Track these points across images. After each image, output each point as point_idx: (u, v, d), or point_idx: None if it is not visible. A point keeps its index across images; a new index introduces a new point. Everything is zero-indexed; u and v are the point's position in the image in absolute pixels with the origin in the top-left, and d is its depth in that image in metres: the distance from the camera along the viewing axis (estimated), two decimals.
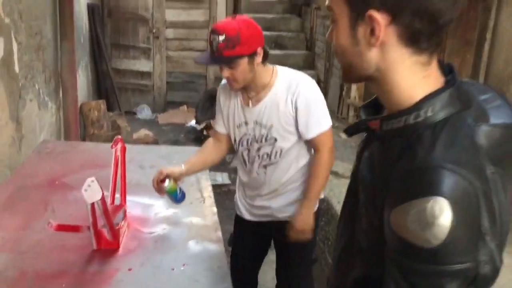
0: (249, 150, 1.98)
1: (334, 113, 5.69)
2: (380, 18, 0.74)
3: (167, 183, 1.91)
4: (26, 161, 2.57)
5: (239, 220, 2.26)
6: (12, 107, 2.69)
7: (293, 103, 1.82)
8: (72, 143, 3.22)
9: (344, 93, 5.41)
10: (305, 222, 1.93)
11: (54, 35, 3.76)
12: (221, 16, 6.45)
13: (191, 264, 1.71)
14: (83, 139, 4.76)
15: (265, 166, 1.96)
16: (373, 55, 0.78)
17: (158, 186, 1.90)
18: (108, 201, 1.96)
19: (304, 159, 1.98)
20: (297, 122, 1.85)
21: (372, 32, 0.75)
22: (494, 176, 0.73)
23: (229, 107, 1.98)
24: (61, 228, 1.66)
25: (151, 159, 2.75)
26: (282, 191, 2.01)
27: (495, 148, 0.76)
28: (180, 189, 1.99)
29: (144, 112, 6.56)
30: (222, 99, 2.01)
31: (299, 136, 1.90)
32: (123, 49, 6.58)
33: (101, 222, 1.71)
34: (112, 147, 2.06)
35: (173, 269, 1.67)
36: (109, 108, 5.81)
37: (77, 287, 1.53)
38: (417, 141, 0.75)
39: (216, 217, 2.09)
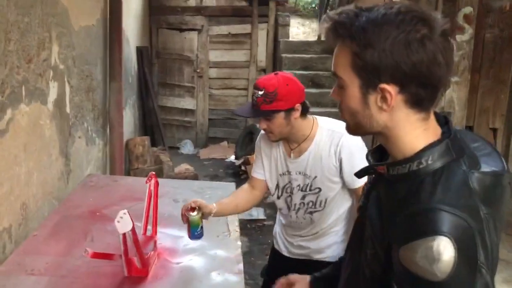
0: (291, 198, 2.04)
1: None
2: (391, 89, 0.86)
3: (195, 213, 1.97)
4: (72, 193, 2.82)
5: (276, 254, 2.31)
6: (62, 144, 2.96)
7: (336, 154, 1.86)
8: (114, 177, 3.47)
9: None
10: None
11: (104, 77, 4.10)
12: (261, 56, 6.73)
13: None
14: (128, 173, 5.05)
15: (311, 213, 2.01)
16: (382, 117, 0.91)
17: (186, 212, 1.99)
18: (141, 232, 2.14)
19: (346, 203, 2.01)
20: (341, 172, 1.88)
21: (383, 99, 0.88)
22: (487, 217, 0.85)
23: (271, 155, 2.06)
24: (96, 255, 1.83)
25: (185, 194, 2.94)
26: (323, 234, 2.06)
27: (486, 192, 0.87)
28: (202, 226, 2.03)
29: (187, 147, 6.84)
30: (263, 146, 2.08)
31: (343, 183, 1.93)
32: (169, 88, 6.96)
33: (132, 251, 1.88)
34: (146, 182, 2.25)
35: None
36: (154, 143, 6.13)
37: None
38: (420, 186, 0.87)
39: (239, 251, 2.22)
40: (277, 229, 2.30)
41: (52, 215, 2.47)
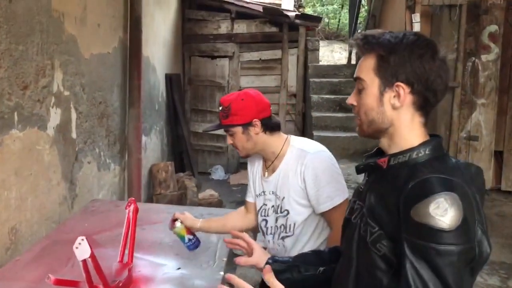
0: (266, 221, 1.97)
1: None
2: (404, 87, 1.07)
3: (177, 225, 2.05)
4: (69, 218, 2.84)
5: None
6: (66, 169, 3.01)
7: (301, 174, 1.79)
8: (117, 203, 3.47)
9: None
10: None
11: (122, 104, 4.18)
12: (292, 81, 6.68)
13: None
14: (151, 198, 5.08)
15: (283, 238, 1.91)
16: (392, 114, 1.10)
17: (171, 224, 2.08)
18: (118, 259, 2.10)
19: (325, 233, 1.88)
20: (307, 195, 1.80)
21: (396, 97, 1.08)
22: (475, 196, 1.01)
23: (253, 175, 2.03)
24: (59, 282, 1.78)
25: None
26: None
27: (472, 177, 1.07)
28: (190, 238, 2.09)
29: (218, 173, 6.83)
30: (249, 167, 2.05)
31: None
32: (201, 114, 7.02)
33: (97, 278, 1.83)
34: (126, 208, 2.21)
35: None
36: (183, 169, 6.16)
37: None
38: (421, 167, 1.04)
39: (218, 282, 2.11)
40: None
41: (42, 240, 2.48)
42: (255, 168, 2.01)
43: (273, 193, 1.90)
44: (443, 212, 0.93)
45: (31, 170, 2.57)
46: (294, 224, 1.85)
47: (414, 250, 0.96)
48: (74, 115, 3.14)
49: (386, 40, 1.09)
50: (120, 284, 1.95)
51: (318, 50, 6.61)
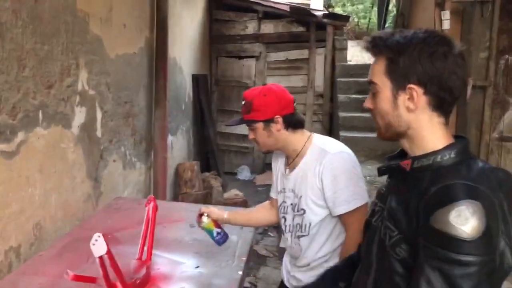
0: (285, 219, 1.94)
1: None
2: (417, 89, 1.03)
3: (205, 219, 2.07)
4: (93, 215, 2.88)
5: (282, 281, 2.19)
6: (90, 167, 3.05)
7: (319, 174, 1.74)
8: (141, 201, 3.49)
9: None
10: None
11: (148, 104, 4.22)
12: (319, 81, 6.61)
13: None
14: (177, 197, 5.11)
15: (298, 237, 1.88)
16: (409, 117, 1.06)
17: (197, 221, 2.09)
18: (136, 256, 2.11)
19: (342, 236, 1.83)
20: (324, 196, 1.75)
21: (410, 99, 1.05)
22: (504, 202, 0.97)
23: (276, 171, 2.01)
24: (77, 278, 1.80)
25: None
26: (316, 268, 1.86)
27: (500, 182, 1.00)
28: (218, 232, 2.11)
29: (244, 173, 6.83)
30: (273, 163, 2.04)
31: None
32: (228, 114, 7.03)
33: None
34: (145, 205, 2.23)
35: None
36: (209, 168, 6.18)
37: None
38: (446, 172, 1.00)
39: (237, 282, 2.09)
40: (285, 255, 2.17)
41: (64, 236, 2.52)
42: (278, 164, 2.00)
43: (292, 191, 1.88)
44: (464, 221, 0.90)
45: (55, 168, 2.61)
46: (310, 224, 1.82)
47: (431, 258, 0.93)
48: (99, 114, 3.18)
49: (394, 41, 1.05)
50: (138, 282, 1.96)
51: (346, 49, 6.53)
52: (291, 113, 1.81)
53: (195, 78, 6.00)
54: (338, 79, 6.02)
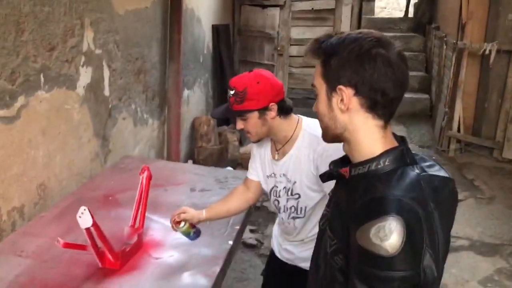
0: (278, 201, 1.96)
1: (434, 144, 5.18)
2: (346, 90, 1.02)
3: (182, 225, 2.01)
4: (98, 175, 2.96)
5: (271, 255, 2.27)
6: (97, 126, 3.10)
7: (314, 161, 1.75)
8: (147, 160, 3.56)
9: (443, 123, 4.85)
10: None
11: (162, 59, 4.19)
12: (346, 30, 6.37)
13: None
14: (192, 151, 5.18)
15: (293, 218, 1.92)
16: (343, 118, 1.06)
17: (174, 226, 2.02)
18: (129, 223, 2.18)
19: None
20: (318, 181, 1.73)
21: (342, 101, 1.04)
22: (434, 212, 0.98)
23: (260, 156, 1.99)
24: (68, 246, 1.89)
25: (206, 183, 2.91)
26: (309, 243, 1.94)
27: (435, 191, 1.01)
28: (194, 232, 2.05)
29: None
30: (255, 146, 2.02)
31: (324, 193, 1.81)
32: (250, 65, 6.92)
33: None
34: (140, 174, 2.27)
35: None
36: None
37: None
38: (377, 181, 1.00)
39: (226, 251, 2.14)
40: (275, 227, 2.23)
41: (68, 197, 2.61)
42: (262, 150, 1.98)
43: (283, 176, 1.87)
44: (384, 237, 0.90)
45: (60, 129, 2.67)
46: (306, 207, 1.85)
47: (357, 273, 0.96)
48: (107, 73, 3.19)
49: (328, 43, 1.05)
50: (128, 250, 2.04)
51: (373, 0, 6.22)
52: (283, 99, 1.77)
53: (216, 29, 5.89)
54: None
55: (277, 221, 2.18)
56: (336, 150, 1.62)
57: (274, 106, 1.73)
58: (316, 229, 1.86)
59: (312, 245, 1.85)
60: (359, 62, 1.00)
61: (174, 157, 4.37)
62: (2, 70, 2.17)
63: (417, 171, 1.01)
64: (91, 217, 1.77)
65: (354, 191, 1.03)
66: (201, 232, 2.07)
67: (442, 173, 1.07)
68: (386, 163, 1.01)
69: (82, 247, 1.94)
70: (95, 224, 1.80)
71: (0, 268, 1.92)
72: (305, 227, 1.92)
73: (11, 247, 2.08)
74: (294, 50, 6.68)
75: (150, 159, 3.85)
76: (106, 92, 3.20)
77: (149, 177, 2.26)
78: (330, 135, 1.11)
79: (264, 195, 2.15)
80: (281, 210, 1.96)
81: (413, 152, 1.10)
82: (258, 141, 1.88)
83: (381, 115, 1.04)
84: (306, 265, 1.90)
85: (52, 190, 2.64)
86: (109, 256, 1.94)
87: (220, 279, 2.03)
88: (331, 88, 1.04)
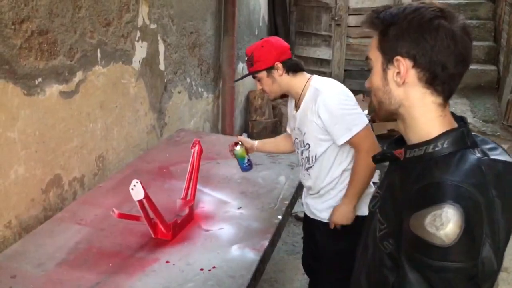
0: (297, 154, 2.17)
1: (499, 119, 4.83)
2: (404, 62, 0.96)
3: (238, 147, 2.24)
4: (153, 148, 3.04)
5: (305, 214, 2.36)
6: (153, 100, 3.18)
7: (316, 112, 1.93)
8: (201, 134, 3.61)
9: (511, 97, 4.50)
10: (341, 215, 2.02)
11: (217, 32, 4.19)
12: (408, 1, 6.07)
13: (219, 267, 1.85)
14: (247, 124, 5.20)
15: (307, 169, 2.11)
16: (399, 93, 0.99)
17: (231, 148, 2.28)
18: (181, 195, 2.23)
19: (345, 162, 2.04)
20: (326, 130, 1.95)
21: (398, 73, 0.97)
22: (496, 199, 0.91)
23: (289, 113, 2.21)
24: (122, 216, 1.97)
25: (258, 156, 2.90)
26: (324, 195, 2.12)
27: (497, 177, 0.93)
28: (248, 159, 2.29)
29: None
30: (288, 106, 2.23)
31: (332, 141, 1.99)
32: (306, 37, 6.79)
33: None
34: (191, 148, 2.30)
35: (202, 270, 1.83)
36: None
37: (118, 269, 1.83)
38: (434, 165, 0.93)
39: (274, 227, 2.15)
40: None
41: (124, 168, 2.71)
42: (289, 107, 2.21)
43: (298, 129, 2.09)
44: (439, 226, 0.85)
45: (116, 103, 2.75)
46: (315, 156, 2.04)
47: (410, 260, 0.92)
48: (162, 47, 3.24)
49: (387, 13, 0.99)
50: (179, 221, 2.10)
51: None
52: (289, 58, 2.01)
53: (271, 0, 5.80)
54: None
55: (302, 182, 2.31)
56: (333, 99, 1.93)
57: (279, 65, 1.97)
58: (329, 179, 2.05)
59: (326, 198, 2.12)
60: (420, 33, 0.94)
61: (228, 130, 4.41)
62: (61, 46, 2.25)
63: (478, 155, 0.95)
64: (143, 190, 1.83)
65: (408, 174, 0.98)
66: (252, 167, 2.32)
67: (506, 157, 0.99)
68: (444, 146, 0.95)
69: (135, 217, 2.01)
70: (147, 197, 1.86)
71: (61, 235, 2.04)
72: (318, 177, 2.08)
73: (71, 216, 2.19)
74: (352, 20, 6.45)
75: (204, 133, 3.91)
76: (162, 67, 3.26)
77: (200, 151, 2.29)
78: (384, 111, 1.04)
79: None
80: (300, 163, 2.17)
81: (474, 132, 1.04)
82: (275, 99, 2.16)
83: (440, 92, 0.97)
84: (322, 216, 2.14)
85: (110, 161, 2.74)
86: (161, 227, 2.01)
87: (268, 253, 2.06)
88: (388, 60, 0.99)
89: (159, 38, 3.19)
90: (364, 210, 1.97)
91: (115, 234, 2.07)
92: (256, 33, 5.38)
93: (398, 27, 0.96)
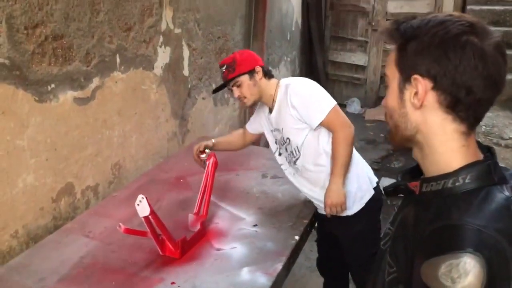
0: (280, 154, 2.27)
1: None
2: (423, 82, 0.83)
3: (204, 155, 2.32)
4: (172, 155, 2.95)
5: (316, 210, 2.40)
6: (176, 106, 3.09)
7: (289, 103, 2.04)
8: None
9: None
10: (333, 195, 2.04)
11: (246, 37, 4.08)
12: (448, 7, 5.80)
13: None
14: None
15: (294, 162, 2.19)
16: (416, 117, 0.87)
17: (198, 157, 2.35)
18: (193, 211, 2.13)
19: (328, 146, 2.10)
20: (301, 117, 2.04)
21: (416, 94, 0.85)
22: None
23: (262, 114, 2.29)
24: (129, 232, 1.88)
25: (278, 169, 2.76)
26: (316, 181, 2.17)
27: None
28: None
29: (354, 106, 6.50)
30: (258, 107, 2.32)
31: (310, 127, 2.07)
32: (341, 42, 6.61)
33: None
34: (206, 161, 2.20)
35: None
36: None
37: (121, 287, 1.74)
38: (453, 204, 0.81)
39: (290, 249, 2.01)
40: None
41: (140, 177, 2.63)
42: (262, 110, 2.28)
43: (276, 130, 2.19)
44: (456, 279, 0.72)
45: (136, 110, 2.68)
46: (297, 147, 2.13)
47: None
48: (186, 53, 3.15)
49: (408, 25, 0.86)
50: (188, 238, 1.99)
51: None
52: (263, 65, 2.15)
53: (306, 3, 5.65)
54: (469, 7, 5.20)
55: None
56: (303, 84, 2.07)
57: (259, 68, 2.10)
58: (317, 166, 2.11)
59: (318, 181, 2.15)
60: (443, 49, 0.81)
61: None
62: (77, 51, 2.19)
63: (507, 193, 0.81)
64: (148, 206, 1.73)
65: (424, 211, 0.86)
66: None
67: None
68: (467, 181, 0.82)
69: (142, 233, 1.92)
70: (153, 213, 1.76)
71: (68, 247, 1.97)
72: (304, 166, 2.15)
73: (80, 227, 2.12)
74: None
75: None
76: (186, 72, 3.17)
77: (215, 164, 2.18)
78: (399, 136, 0.92)
79: None
80: (286, 161, 2.25)
81: (504, 166, 0.89)
82: (253, 104, 2.18)
83: (463, 119, 0.84)
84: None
85: (127, 169, 2.67)
86: (169, 244, 1.91)
87: (281, 277, 1.91)
88: (405, 78, 0.87)
89: (183, 43, 3.10)
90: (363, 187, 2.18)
91: (122, 249, 1.98)
92: (288, 37, 5.25)
93: (419, 42, 0.83)
